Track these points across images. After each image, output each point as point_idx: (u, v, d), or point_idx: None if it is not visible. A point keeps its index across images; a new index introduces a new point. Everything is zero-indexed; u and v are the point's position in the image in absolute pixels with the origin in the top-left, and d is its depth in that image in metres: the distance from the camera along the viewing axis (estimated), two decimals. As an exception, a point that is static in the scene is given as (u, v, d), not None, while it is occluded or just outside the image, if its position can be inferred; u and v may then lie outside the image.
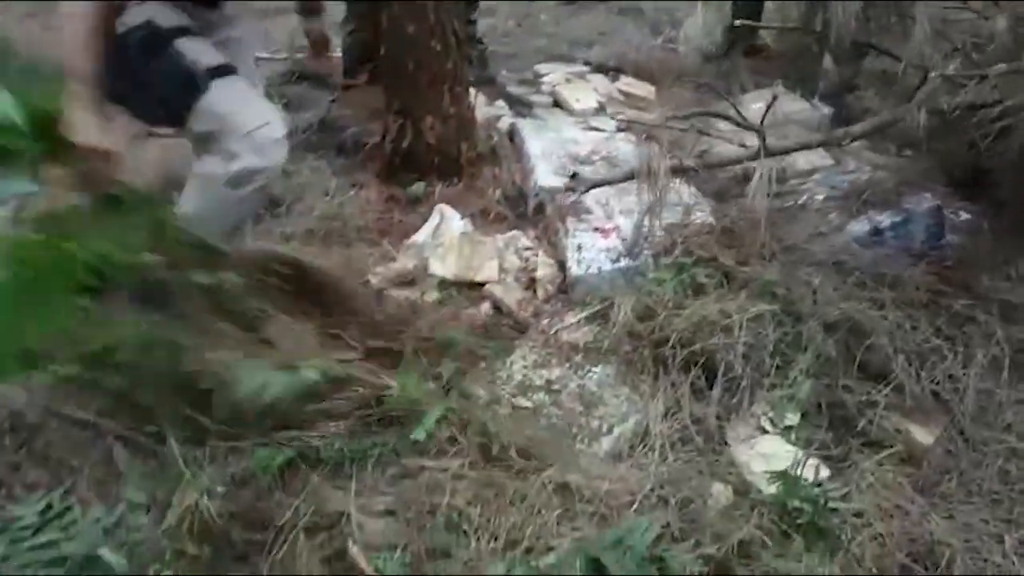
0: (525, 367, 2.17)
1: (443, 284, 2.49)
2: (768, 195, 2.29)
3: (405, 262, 2.57)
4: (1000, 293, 2.27)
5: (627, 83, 3.90)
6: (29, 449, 1.80)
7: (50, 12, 1.96)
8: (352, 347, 2.03)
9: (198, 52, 1.94)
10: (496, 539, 1.64)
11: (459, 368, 2.11)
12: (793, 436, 1.95)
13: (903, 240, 2.53)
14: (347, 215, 2.89)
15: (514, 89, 3.79)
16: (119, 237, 1.72)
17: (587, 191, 2.63)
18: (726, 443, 1.95)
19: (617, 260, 2.43)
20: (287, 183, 3.02)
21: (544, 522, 1.67)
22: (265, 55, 3.98)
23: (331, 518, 1.69)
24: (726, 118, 2.50)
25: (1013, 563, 1.69)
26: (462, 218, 2.75)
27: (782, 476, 1.79)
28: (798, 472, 1.80)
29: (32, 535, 1.61)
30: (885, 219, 2.58)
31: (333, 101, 3.58)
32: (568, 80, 3.80)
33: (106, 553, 1.57)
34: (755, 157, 2.38)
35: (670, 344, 2.07)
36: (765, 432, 1.97)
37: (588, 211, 2.64)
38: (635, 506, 1.73)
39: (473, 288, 2.49)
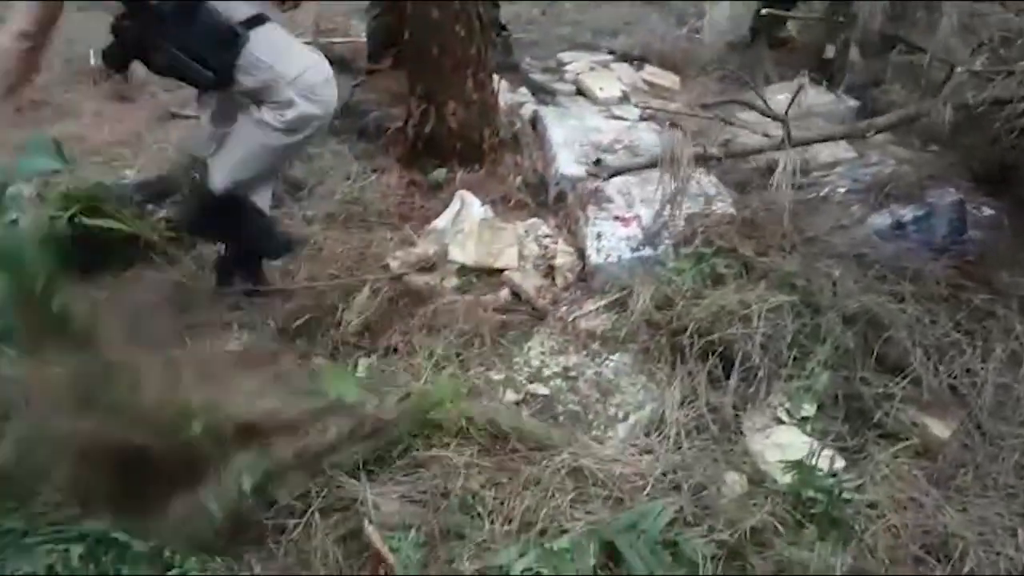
0: (542, 353, 2.18)
1: (463, 270, 2.51)
2: (791, 186, 2.29)
3: (425, 247, 2.59)
4: (1020, 289, 2.25)
5: (651, 72, 3.90)
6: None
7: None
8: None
9: (230, 8, 1.97)
10: (510, 521, 1.66)
11: (474, 355, 2.13)
12: (809, 427, 1.95)
13: (925, 234, 2.51)
14: (368, 199, 2.90)
15: (537, 76, 3.80)
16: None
17: (610, 177, 2.63)
18: (742, 432, 1.96)
19: (637, 249, 2.43)
20: (309, 166, 3.05)
21: (558, 505, 1.69)
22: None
23: (345, 501, 1.72)
24: (752, 107, 2.49)
25: (1026, 557, 1.68)
26: (483, 204, 2.76)
27: (797, 466, 1.79)
28: (813, 462, 1.80)
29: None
30: (907, 213, 2.56)
31: (356, 85, 3.59)
32: (592, 69, 3.80)
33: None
34: (779, 147, 2.38)
35: (688, 333, 2.08)
36: (781, 422, 1.97)
37: (609, 200, 2.64)
38: (648, 490, 1.74)
39: (492, 275, 2.50)
